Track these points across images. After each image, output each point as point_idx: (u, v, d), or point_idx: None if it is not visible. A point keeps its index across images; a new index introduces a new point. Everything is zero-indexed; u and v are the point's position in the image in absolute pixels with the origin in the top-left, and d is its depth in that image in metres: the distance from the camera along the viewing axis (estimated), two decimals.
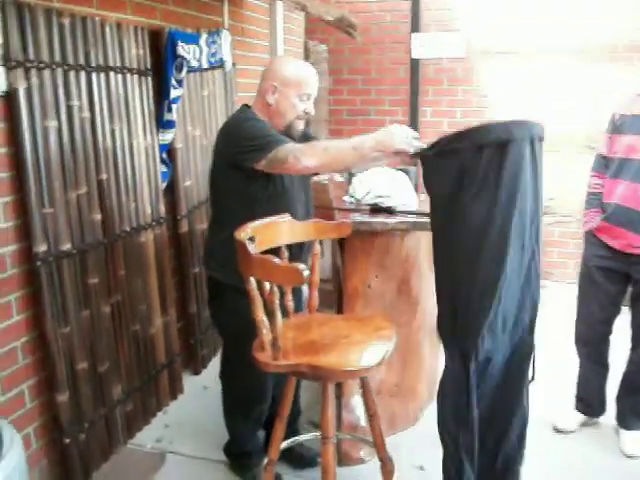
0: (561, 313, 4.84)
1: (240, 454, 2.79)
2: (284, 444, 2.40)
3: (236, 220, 2.15)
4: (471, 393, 2.10)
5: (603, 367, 3.12)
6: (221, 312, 2.60)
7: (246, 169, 2.28)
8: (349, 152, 2.13)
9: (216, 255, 2.50)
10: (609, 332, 3.06)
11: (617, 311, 3.03)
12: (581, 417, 3.19)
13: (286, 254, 2.24)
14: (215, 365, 3.72)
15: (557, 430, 3.18)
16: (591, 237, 3.02)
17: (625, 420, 3.06)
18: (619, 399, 3.09)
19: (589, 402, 3.17)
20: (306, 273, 1.73)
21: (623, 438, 3.04)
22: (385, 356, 2.03)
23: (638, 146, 2.79)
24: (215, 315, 2.70)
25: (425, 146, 2.02)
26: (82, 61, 2.62)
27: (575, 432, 3.17)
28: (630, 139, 2.82)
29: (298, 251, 2.43)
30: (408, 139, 2.06)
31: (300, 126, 2.48)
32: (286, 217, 2.28)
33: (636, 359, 2.99)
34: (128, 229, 2.95)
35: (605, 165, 2.98)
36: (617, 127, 2.91)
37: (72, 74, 2.56)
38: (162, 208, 3.23)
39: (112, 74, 2.80)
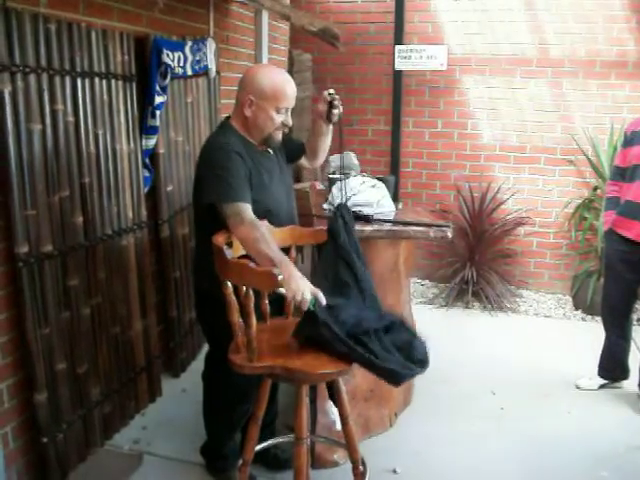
0: (539, 320, 4.96)
1: (217, 456, 2.82)
2: (259, 446, 2.45)
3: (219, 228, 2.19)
4: None
5: (625, 341, 3.66)
6: (207, 314, 2.61)
7: None
8: (264, 257, 2.06)
9: (204, 266, 2.46)
10: (629, 312, 3.61)
11: (634, 294, 3.57)
12: (602, 380, 3.75)
13: None
14: (194, 369, 3.76)
15: (578, 388, 3.76)
16: (611, 234, 3.52)
17: None
18: None
19: (611, 370, 3.72)
20: (280, 277, 1.78)
21: None
22: None
23: None
24: (201, 315, 2.72)
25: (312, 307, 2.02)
26: (67, 66, 2.65)
27: (596, 391, 3.73)
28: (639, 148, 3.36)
29: None
30: (309, 299, 2.01)
31: (279, 137, 2.51)
32: (264, 223, 2.32)
33: None
34: (110, 232, 2.98)
35: (620, 174, 3.51)
36: (629, 141, 3.46)
37: (57, 79, 2.60)
38: (144, 212, 3.27)
39: (97, 79, 2.84)
